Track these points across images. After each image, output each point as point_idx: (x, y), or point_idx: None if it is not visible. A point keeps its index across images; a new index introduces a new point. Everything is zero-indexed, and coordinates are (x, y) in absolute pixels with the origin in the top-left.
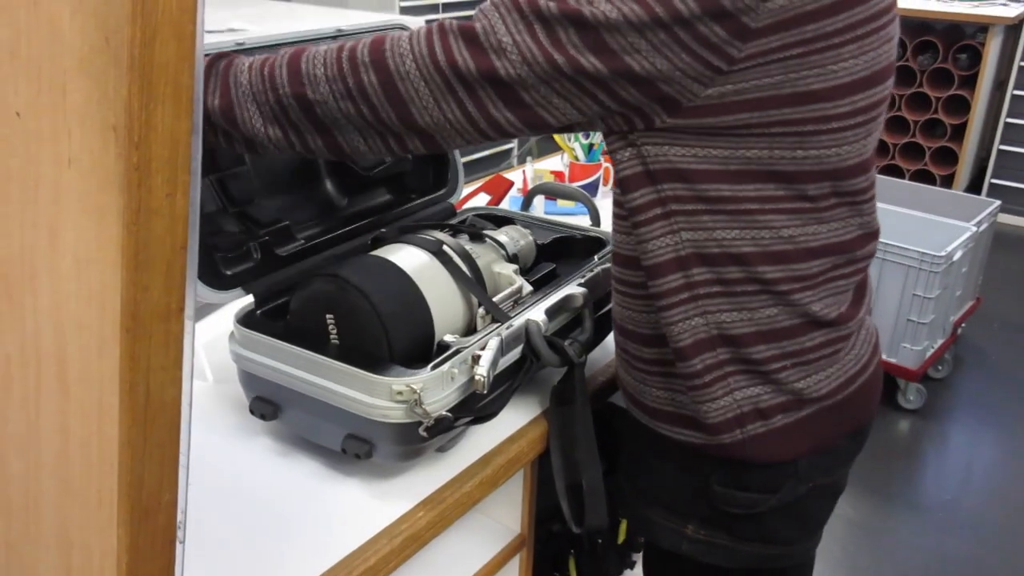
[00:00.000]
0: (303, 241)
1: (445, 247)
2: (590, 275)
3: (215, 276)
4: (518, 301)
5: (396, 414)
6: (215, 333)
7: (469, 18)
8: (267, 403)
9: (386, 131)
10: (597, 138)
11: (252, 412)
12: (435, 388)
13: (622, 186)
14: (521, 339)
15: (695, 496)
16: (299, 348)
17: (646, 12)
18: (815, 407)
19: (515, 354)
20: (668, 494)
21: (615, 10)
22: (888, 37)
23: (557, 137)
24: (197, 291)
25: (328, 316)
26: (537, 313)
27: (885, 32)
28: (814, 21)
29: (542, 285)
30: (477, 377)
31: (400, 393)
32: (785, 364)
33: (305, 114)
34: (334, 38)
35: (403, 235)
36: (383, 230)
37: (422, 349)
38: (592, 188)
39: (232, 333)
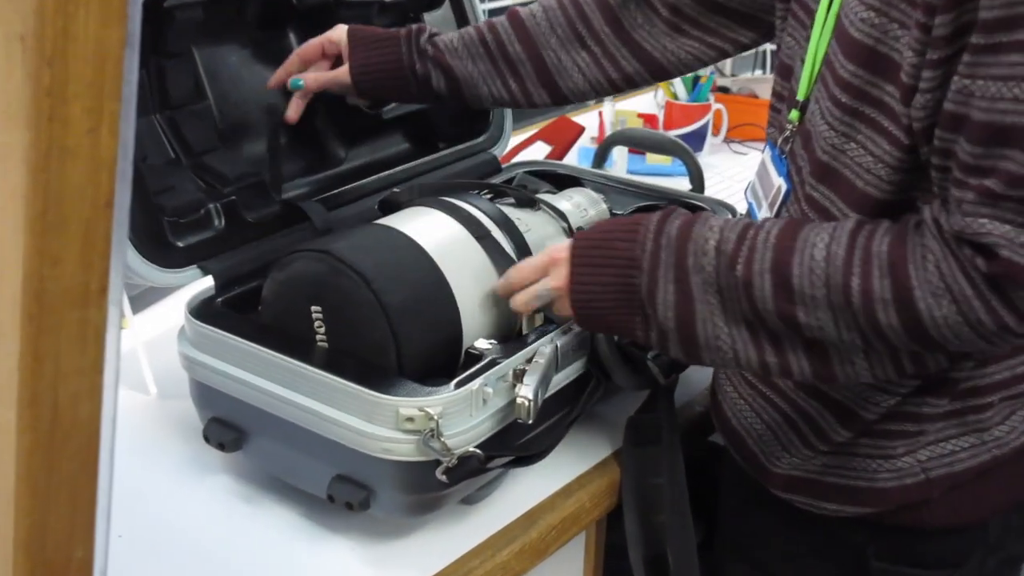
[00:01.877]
0: (284, 204)
1: (481, 215)
2: None
3: (162, 249)
4: None
5: (404, 449)
6: (163, 328)
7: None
8: (228, 428)
9: (903, 356)
10: (707, 70)
11: (207, 439)
12: (460, 414)
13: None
14: (585, 349)
15: (839, 574)
16: (273, 352)
17: None
18: (1015, 451)
19: (575, 370)
20: (798, 572)
21: None
22: None
23: None
24: (138, 270)
25: (314, 309)
26: None
27: None
28: None
29: None
30: (520, 400)
31: (411, 420)
32: (991, 399)
33: (790, 330)
34: None
35: (423, 197)
36: (395, 190)
37: (444, 358)
38: (696, 139)
39: (183, 329)
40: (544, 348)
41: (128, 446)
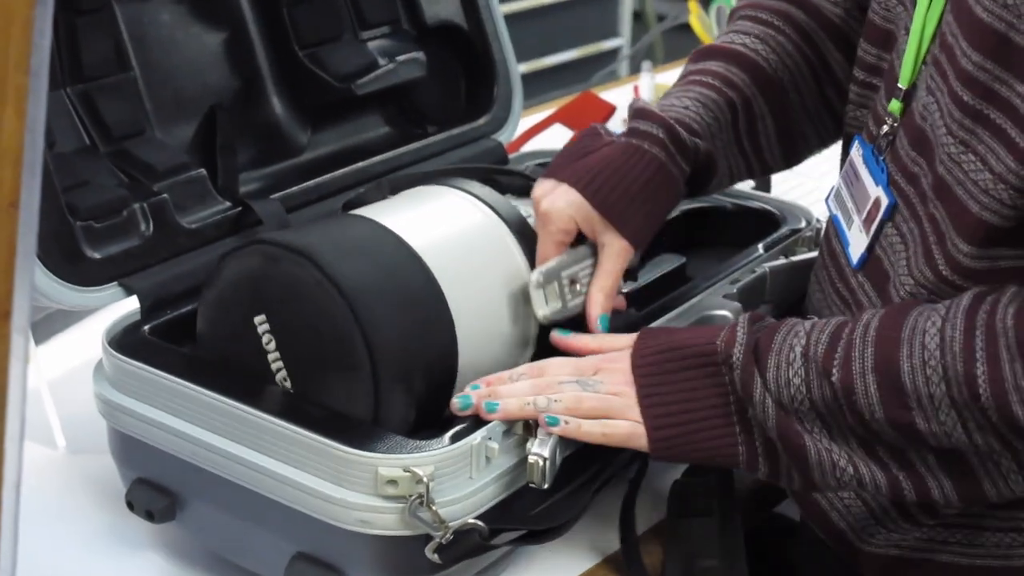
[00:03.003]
0: (228, 204)
1: (484, 209)
2: (749, 279)
3: (73, 261)
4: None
5: (385, 520)
6: (73, 363)
7: None
8: (158, 491)
9: None
10: None
11: (131, 506)
12: (457, 476)
13: None
14: None
15: None
16: (215, 394)
17: None
18: None
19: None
20: None
21: None
22: None
23: (696, 24)
24: (43, 288)
25: (258, 321)
26: None
27: None
28: None
29: (660, 295)
30: (533, 459)
31: (393, 482)
32: None
33: (913, 443)
34: None
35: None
36: (361, 190)
37: (435, 398)
38: None
39: (99, 364)
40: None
41: (30, 514)
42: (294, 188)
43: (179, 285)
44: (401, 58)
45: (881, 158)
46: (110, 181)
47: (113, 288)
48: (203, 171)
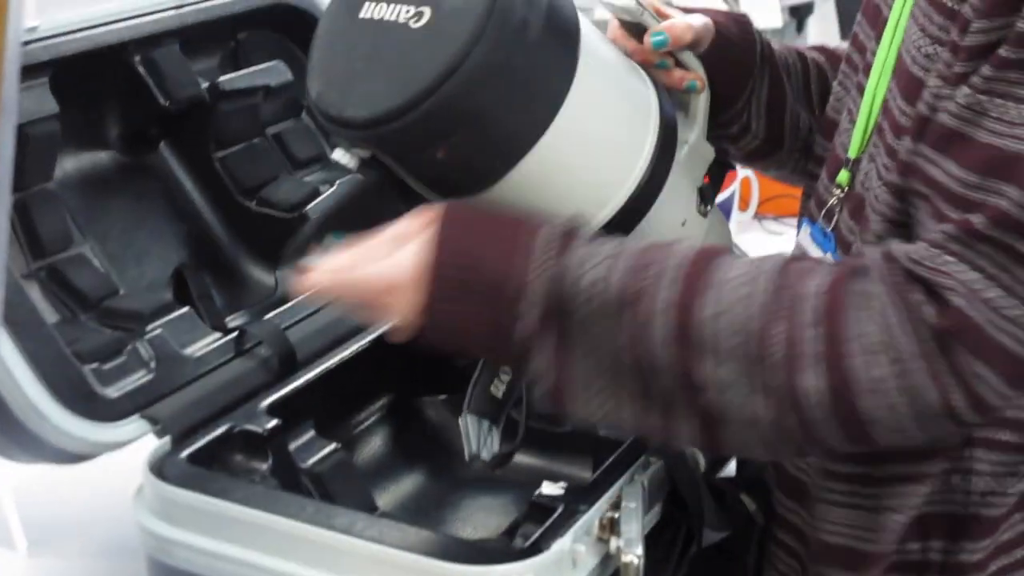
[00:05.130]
0: (221, 335)
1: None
2: None
3: (91, 401)
4: None
5: None
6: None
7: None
8: None
9: (812, 445)
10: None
11: None
12: None
13: None
14: (662, 486)
15: None
16: (293, 520)
17: None
18: None
19: (653, 515)
20: None
21: None
22: None
23: None
24: (70, 429)
25: None
26: None
27: None
28: None
29: None
30: (628, 559)
31: None
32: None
33: (683, 393)
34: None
35: None
36: None
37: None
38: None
39: (141, 490)
40: (630, 489)
41: None
42: (279, 309)
43: (199, 411)
44: (340, 181)
45: (829, 230)
46: (103, 337)
47: (136, 421)
48: (187, 309)
